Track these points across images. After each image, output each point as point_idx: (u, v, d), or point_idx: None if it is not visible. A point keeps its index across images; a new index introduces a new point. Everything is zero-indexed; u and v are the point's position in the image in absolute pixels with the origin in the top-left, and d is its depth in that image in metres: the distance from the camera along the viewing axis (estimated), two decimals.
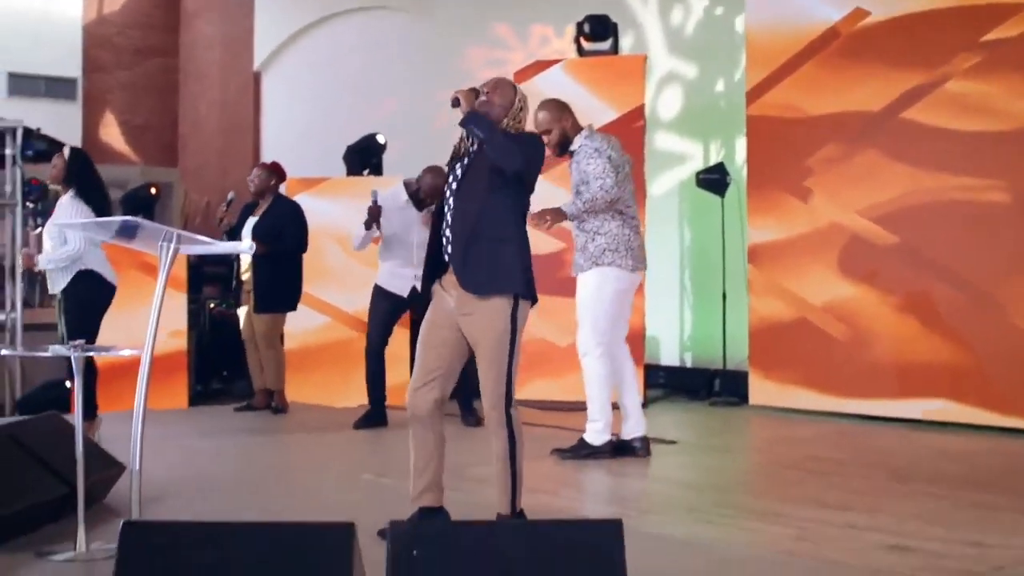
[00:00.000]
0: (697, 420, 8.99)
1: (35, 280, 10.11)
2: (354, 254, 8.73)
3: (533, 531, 3.41)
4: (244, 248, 7.39)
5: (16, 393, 9.32)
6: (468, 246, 4.65)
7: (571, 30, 10.00)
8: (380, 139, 10.38)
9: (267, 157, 13.30)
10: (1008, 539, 4.83)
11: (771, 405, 9.01)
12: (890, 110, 8.43)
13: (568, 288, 7.32)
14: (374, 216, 8.06)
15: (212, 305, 10.86)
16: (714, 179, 9.94)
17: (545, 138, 6.73)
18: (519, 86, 4.96)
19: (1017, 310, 7.82)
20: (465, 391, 7.74)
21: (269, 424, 8.65)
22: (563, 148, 6.86)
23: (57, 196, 7.36)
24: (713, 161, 10.47)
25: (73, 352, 4.69)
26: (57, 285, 6.95)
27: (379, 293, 8.37)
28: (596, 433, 6.82)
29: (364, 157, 10.32)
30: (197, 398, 9.81)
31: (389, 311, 8.35)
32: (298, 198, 9.39)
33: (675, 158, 10.93)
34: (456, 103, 4.79)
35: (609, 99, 9.34)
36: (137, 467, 4.33)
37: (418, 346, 4.79)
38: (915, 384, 8.24)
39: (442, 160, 5.31)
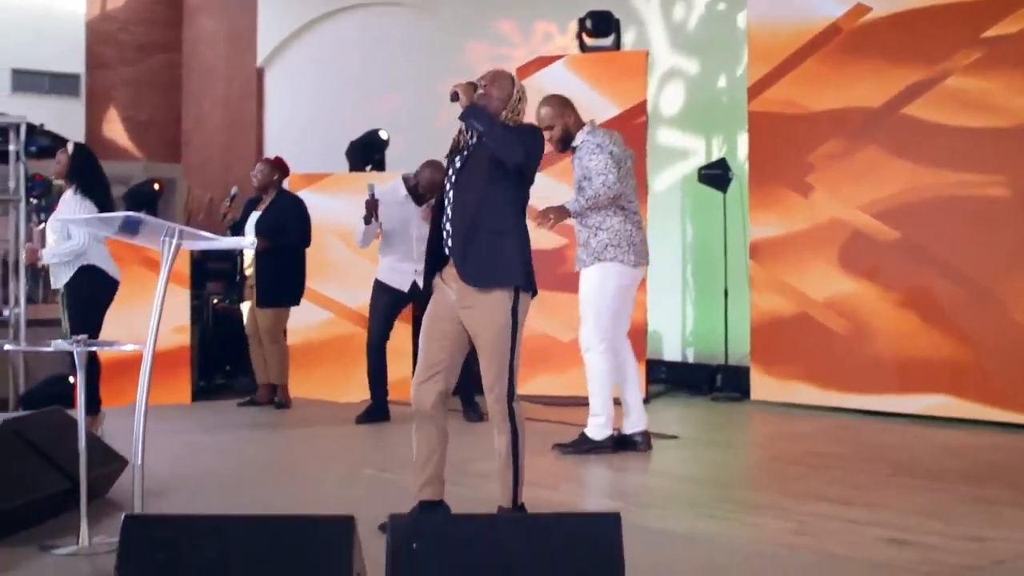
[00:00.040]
0: (698, 415, 9.01)
1: (39, 276, 10.14)
2: (356, 250, 8.75)
3: (531, 524, 3.42)
4: (246, 244, 7.41)
5: (20, 388, 9.34)
6: (468, 239, 4.66)
7: (574, 26, 10.00)
8: (383, 135, 10.41)
9: (270, 153, 13.30)
10: (1008, 533, 4.84)
11: (772, 400, 9.02)
12: (891, 106, 8.44)
13: (570, 284, 7.34)
14: (372, 209, 8.07)
15: (216, 301, 10.88)
16: (716, 175, 9.94)
17: (547, 134, 6.76)
18: (516, 77, 4.96)
19: (1017, 306, 7.83)
20: (467, 387, 7.74)
21: (272, 419, 8.68)
22: (565, 144, 6.87)
23: (61, 192, 7.38)
24: (715, 157, 10.49)
25: (75, 347, 4.72)
26: (59, 280, 6.97)
27: (379, 288, 8.39)
28: (598, 428, 6.83)
29: (367, 153, 10.34)
30: (200, 393, 9.83)
31: (389, 305, 8.37)
32: (301, 194, 9.41)
33: (677, 154, 10.94)
34: (455, 97, 4.81)
35: (611, 95, 9.35)
36: (139, 461, 4.34)
37: (420, 339, 4.81)
38: (916, 379, 8.26)
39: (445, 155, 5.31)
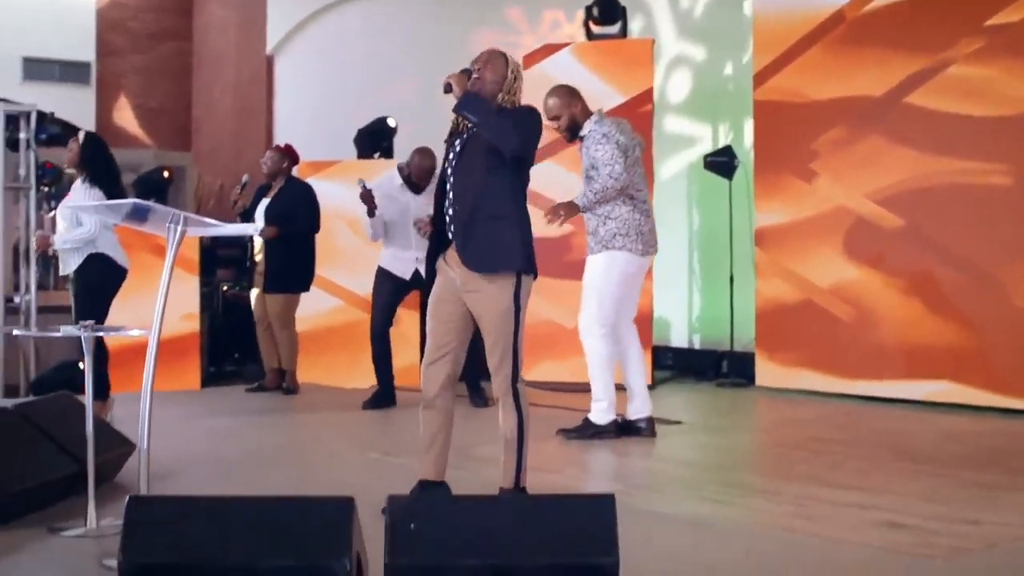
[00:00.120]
0: (704, 401, 9.05)
1: (49, 263, 10.17)
2: (365, 238, 8.77)
3: (527, 505, 3.48)
4: (252, 230, 7.43)
5: (31, 374, 9.41)
6: (468, 224, 4.70)
7: (582, 14, 10.03)
8: (391, 123, 10.42)
9: (280, 140, 13.31)
10: (1006, 517, 4.89)
11: (777, 386, 9.07)
12: (894, 94, 8.47)
13: (575, 271, 7.38)
14: (368, 201, 8.09)
15: (225, 287, 10.92)
16: (722, 162, 9.97)
17: (555, 124, 6.80)
18: (511, 56, 4.92)
19: (1019, 292, 7.86)
20: (474, 372, 7.77)
21: (280, 404, 8.74)
22: (573, 134, 6.90)
23: (72, 180, 7.44)
24: (721, 144, 10.52)
25: (83, 332, 4.78)
26: (68, 267, 7.03)
27: (382, 274, 8.44)
28: (600, 412, 6.88)
29: (375, 140, 10.37)
30: (210, 379, 9.91)
31: (392, 292, 8.41)
32: (309, 181, 9.46)
33: (683, 141, 10.97)
34: (448, 88, 4.83)
35: (618, 83, 9.38)
36: (145, 445, 4.40)
37: (428, 321, 4.87)
38: (919, 365, 8.31)
39: None
